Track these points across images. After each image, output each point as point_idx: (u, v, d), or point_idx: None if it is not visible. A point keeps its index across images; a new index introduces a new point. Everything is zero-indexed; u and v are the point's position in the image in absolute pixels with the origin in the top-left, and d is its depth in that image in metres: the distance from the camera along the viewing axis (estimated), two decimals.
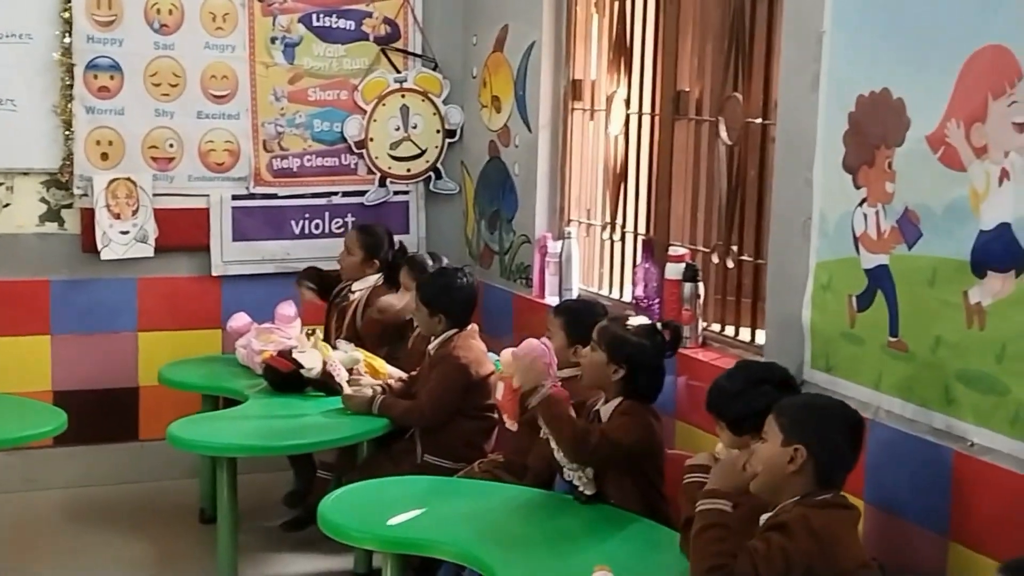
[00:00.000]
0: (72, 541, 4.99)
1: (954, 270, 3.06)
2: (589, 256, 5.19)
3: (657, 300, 4.41)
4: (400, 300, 4.98)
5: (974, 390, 3.02)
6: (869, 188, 3.35)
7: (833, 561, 2.69)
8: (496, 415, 4.34)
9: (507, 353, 3.62)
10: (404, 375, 4.73)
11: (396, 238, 5.54)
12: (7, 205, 5.37)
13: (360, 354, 4.76)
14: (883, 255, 3.32)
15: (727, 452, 3.15)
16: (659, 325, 3.83)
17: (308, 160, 5.80)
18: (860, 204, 3.38)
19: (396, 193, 5.96)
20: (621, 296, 4.89)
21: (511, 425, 3.69)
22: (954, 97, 3.04)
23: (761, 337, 3.98)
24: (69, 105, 5.38)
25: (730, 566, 2.70)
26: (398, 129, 5.91)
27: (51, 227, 5.46)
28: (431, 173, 6.00)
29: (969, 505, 3.04)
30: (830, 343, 3.54)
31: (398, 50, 5.89)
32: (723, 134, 4.21)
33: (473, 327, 4.59)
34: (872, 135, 3.33)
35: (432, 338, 4.56)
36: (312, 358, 4.73)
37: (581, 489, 3.57)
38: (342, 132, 5.82)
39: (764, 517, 2.85)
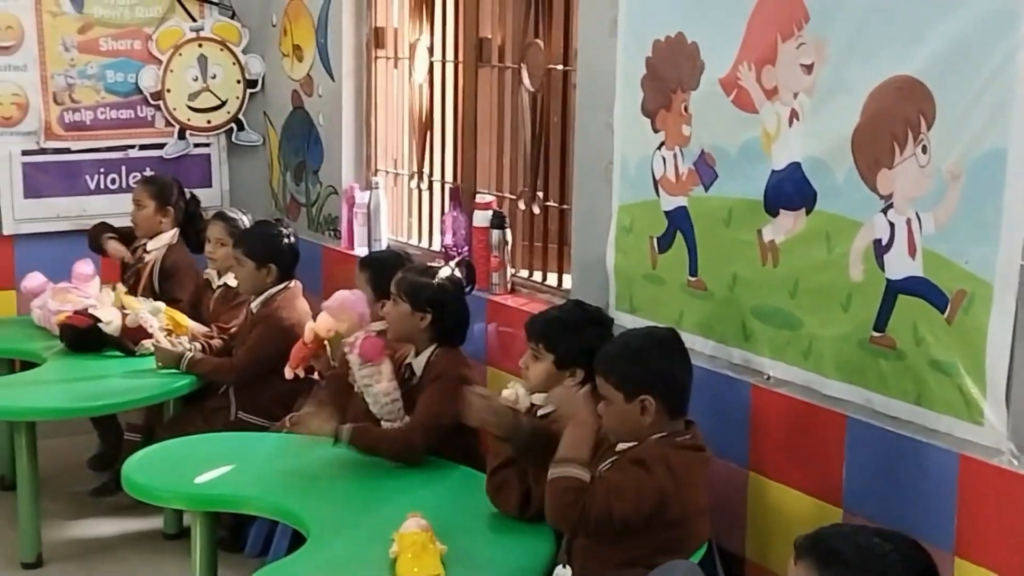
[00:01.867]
0: None
1: (749, 209, 3.15)
2: (397, 206, 5.15)
3: (466, 248, 4.41)
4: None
5: (769, 325, 3.13)
6: (667, 132, 3.41)
7: (683, 502, 2.74)
8: (316, 376, 4.30)
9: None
10: (207, 329, 4.61)
11: (199, 192, 5.37)
12: None
13: (161, 305, 4.63)
14: (682, 197, 3.39)
15: (524, 394, 3.17)
16: (452, 265, 3.83)
17: (102, 113, 5.55)
18: (659, 148, 3.45)
19: (196, 146, 5.77)
20: (431, 245, 4.88)
21: (288, 374, 3.65)
22: (745, 40, 3.11)
23: (568, 281, 4.03)
24: None
25: (583, 503, 2.69)
26: (196, 80, 5.71)
27: None
28: (232, 125, 5.82)
29: (765, 436, 3.16)
30: (633, 284, 3.60)
31: None
32: (526, 81, 4.22)
33: (297, 285, 4.50)
34: (668, 79, 3.38)
35: (253, 297, 4.45)
36: (110, 313, 4.58)
37: None
38: (137, 83, 5.59)
39: (623, 446, 2.86)
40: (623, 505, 2.68)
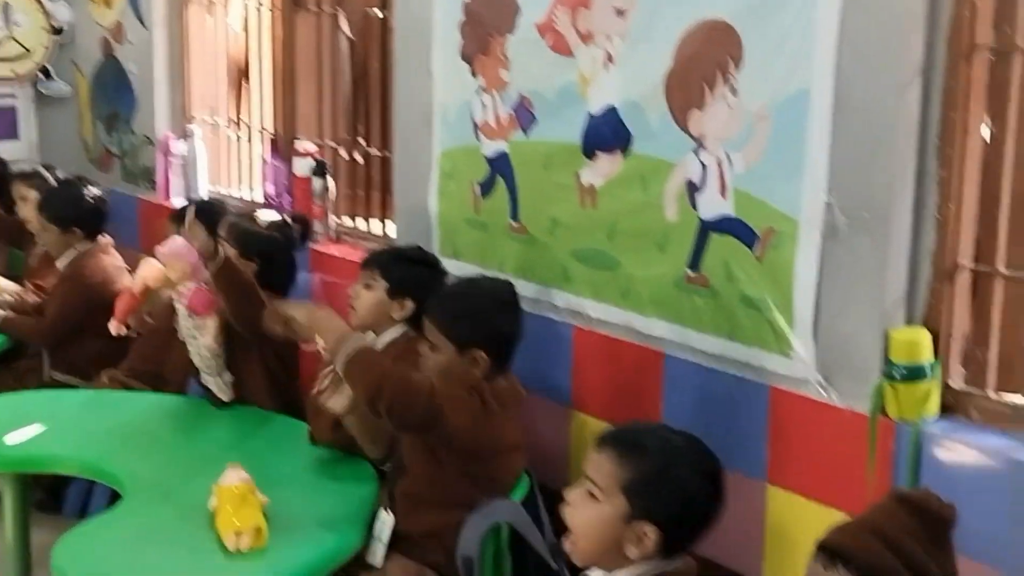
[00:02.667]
0: None
1: (567, 153, 3.17)
2: (216, 155, 5.03)
3: (288, 197, 4.34)
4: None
5: (589, 267, 3.16)
6: (485, 77, 3.41)
7: (493, 436, 2.74)
8: (134, 333, 4.17)
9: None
10: (18, 287, 4.44)
11: (6, 145, 5.16)
12: None
13: None
14: (502, 142, 3.39)
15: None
16: (288, 218, 3.76)
17: None
18: (478, 93, 3.43)
19: (1, 97, 5.53)
20: (252, 195, 4.78)
21: (115, 329, 3.54)
22: None
23: (391, 229, 4.00)
24: None
25: (408, 380, 2.64)
26: None
27: None
28: (39, 74, 5.59)
29: (587, 374, 3.21)
30: (456, 230, 3.60)
31: None
32: (343, 26, 4.15)
33: (107, 241, 4.35)
34: (486, 24, 3.37)
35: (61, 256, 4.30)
36: None
37: (217, 394, 3.49)
38: None
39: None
40: (449, 410, 2.63)
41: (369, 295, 3.12)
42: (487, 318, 2.80)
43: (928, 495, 1.67)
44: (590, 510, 2.02)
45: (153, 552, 2.62)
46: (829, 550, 1.64)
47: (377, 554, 2.76)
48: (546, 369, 3.28)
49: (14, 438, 3.21)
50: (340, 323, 2.75)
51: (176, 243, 3.46)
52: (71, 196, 4.33)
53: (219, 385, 3.48)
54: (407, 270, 3.10)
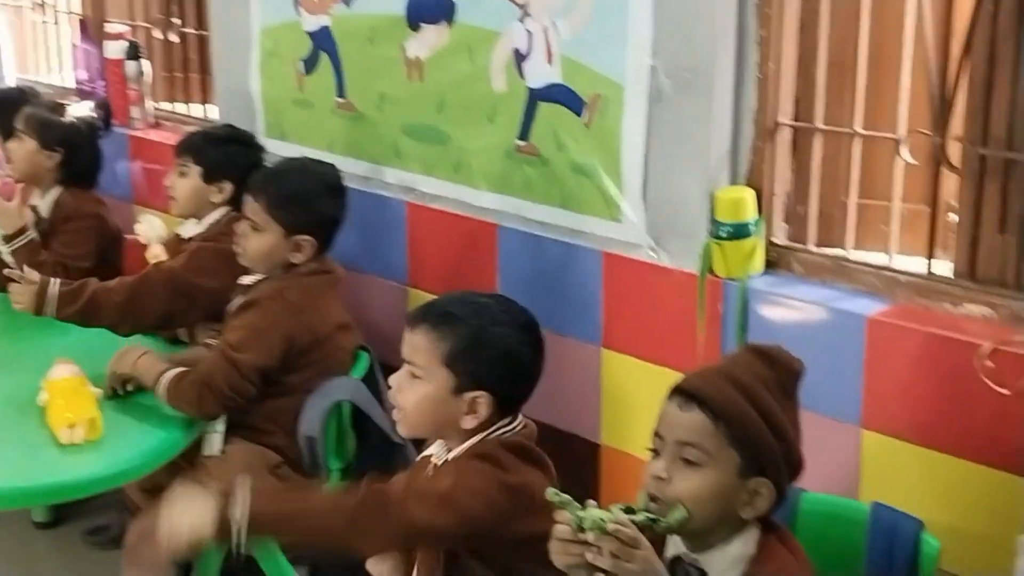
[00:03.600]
0: None
1: (392, 25, 3.11)
2: (22, 41, 4.78)
3: (102, 83, 4.16)
4: None
5: (419, 142, 3.14)
6: None
7: (309, 327, 2.71)
8: None
9: None
10: None
11: None
12: None
13: None
14: (324, 16, 3.31)
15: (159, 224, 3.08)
16: (88, 104, 3.63)
17: None
18: None
19: None
20: (64, 82, 4.57)
21: None
22: None
23: (213, 112, 3.88)
24: None
25: (206, 375, 2.62)
26: None
27: None
28: None
29: (422, 250, 3.20)
30: (281, 110, 3.52)
31: None
32: None
33: None
34: None
35: None
36: None
37: None
38: None
39: (239, 282, 2.80)
40: (249, 356, 2.63)
41: (185, 182, 3.05)
42: (317, 204, 2.76)
43: (780, 349, 1.74)
44: (416, 391, 2.03)
45: None
46: (685, 392, 1.68)
47: (214, 443, 2.75)
48: (381, 248, 3.27)
49: None
50: (148, 363, 2.68)
51: None
52: None
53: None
54: (221, 152, 3.04)
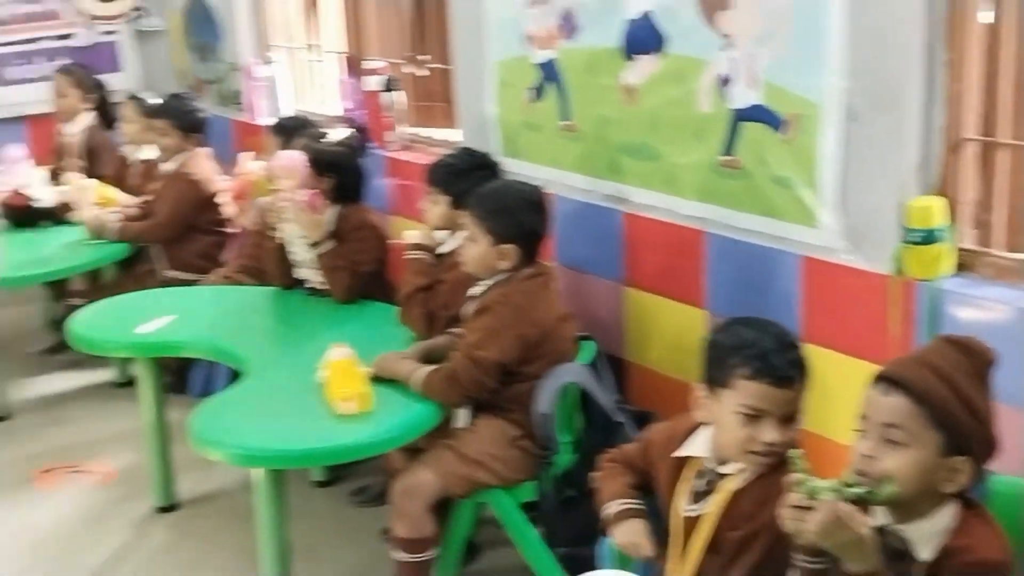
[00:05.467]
0: None
1: (609, 57, 3.13)
2: (297, 76, 5.02)
3: (363, 111, 4.33)
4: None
5: (634, 159, 3.15)
6: None
7: (535, 322, 2.76)
8: (229, 230, 4.26)
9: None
10: (137, 200, 4.50)
11: (110, 77, 5.20)
12: None
13: (91, 182, 4.54)
14: (550, 50, 3.36)
15: (431, 234, 3.18)
16: (349, 131, 3.75)
17: (13, 9, 5.28)
18: (527, 6, 3.39)
19: (104, 34, 5.53)
20: (331, 111, 4.77)
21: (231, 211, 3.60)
22: None
23: (456, 135, 3.99)
24: None
25: (454, 371, 2.71)
26: None
27: None
28: (135, 13, 5.58)
29: (637, 255, 3.22)
30: (514, 132, 3.59)
31: None
32: None
33: (204, 150, 4.43)
34: None
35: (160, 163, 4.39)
36: (42, 192, 4.52)
37: (313, 286, 3.55)
38: None
39: (470, 292, 2.87)
40: (487, 353, 2.69)
41: (437, 209, 3.15)
42: (519, 217, 2.80)
43: (973, 338, 1.70)
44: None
45: (274, 419, 2.70)
46: (889, 379, 1.66)
47: (464, 418, 2.83)
48: (601, 252, 3.30)
49: (145, 328, 3.30)
50: (402, 364, 2.80)
51: (289, 157, 3.48)
52: (190, 104, 4.44)
53: (316, 278, 3.53)
54: (462, 185, 3.06)
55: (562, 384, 2.73)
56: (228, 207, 4.27)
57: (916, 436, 1.62)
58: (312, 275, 3.54)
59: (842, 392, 2.22)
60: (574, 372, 2.77)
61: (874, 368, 1.74)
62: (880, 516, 1.69)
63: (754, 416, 1.96)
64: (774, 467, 1.94)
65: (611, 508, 2.20)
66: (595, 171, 3.30)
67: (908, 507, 1.66)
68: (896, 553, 1.67)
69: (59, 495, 3.70)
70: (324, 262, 3.44)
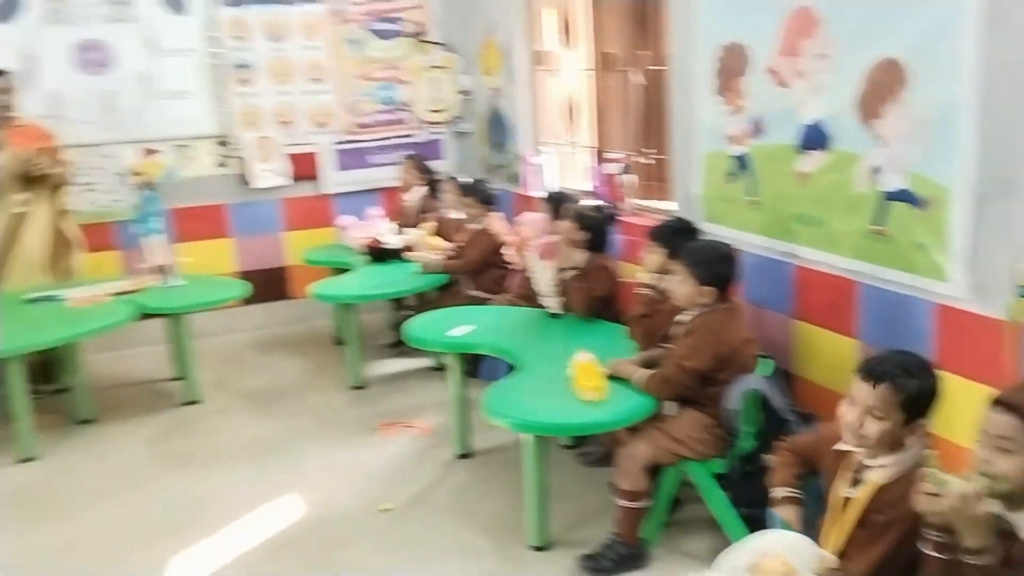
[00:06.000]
0: (260, 358, 5.05)
1: (788, 151, 3.07)
2: (560, 163, 5.15)
3: (605, 188, 4.41)
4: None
5: (804, 225, 3.06)
6: (732, 103, 3.34)
7: (726, 342, 2.74)
8: (512, 267, 4.42)
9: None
10: (451, 245, 4.76)
11: (436, 164, 5.53)
12: (192, 159, 5.32)
13: (422, 233, 4.85)
14: (743, 146, 3.32)
15: (654, 276, 3.20)
16: (602, 205, 3.83)
17: (376, 117, 5.72)
18: (728, 114, 3.37)
19: (434, 134, 5.88)
20: (584, 188, 4.87)
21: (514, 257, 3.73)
22: (781, 41, 3.01)
23: (670, 206, 3.99)
24: (224, 91, 5.29)
25: (666, 375, 2.73)
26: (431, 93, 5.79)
27: (222, 171, 5.41)
28: (455, 120, 5.90)
29: (805, 298, 3.11)
30: (715, 204, 3.56)
31: (426, 41, 5.75)
32: (635, 78, 4.14)
33: (496, 214, 4.61)
34: (731, 69, 3.30)
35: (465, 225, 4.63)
36: (391, 239, 4.80)
37: (553, 309, 3.62)
38: (396, 97, 5.73)
39: (678, 319, 2.86)
40: (691, 363, 2.70)
41: (655, 259, 3.15)
42: (717, 267, 2.78)
43: None
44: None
45: (539, 400, 2.78)
46: (1002, 402, 1.57)
47: (672, 408, 2.82)
48: (777, 294, 3.21)
49: (454, 332, 3.48)
50: (629, 368, 2.83)
51: (534, 217, 3.62)
52: (487, 185, 4.67)
53: (555, 303, 3.61)
54: (675, 241, 3.06)
55: (746, 389, 2.69)
56: (512, 252, 4.45)
57: (1022, 446, 1.52)
58: (551, 302, 3.61)
59: (965, 407, 2.08)
60: (755, 381, 2.72)
61: (991, 391, 1.65)
62: (994, 506, 1.59)
63: (855, 406, 1.90)
64: (913, 468, 1.85)
65: (779, 492, 2.16)
66: (774, 234, 3.23)
67: (1015, 500, 1.55)
68: (1005, 534, 1.57)
69: (393, 442, 3.83)
70: (570, 285, 3.51)
